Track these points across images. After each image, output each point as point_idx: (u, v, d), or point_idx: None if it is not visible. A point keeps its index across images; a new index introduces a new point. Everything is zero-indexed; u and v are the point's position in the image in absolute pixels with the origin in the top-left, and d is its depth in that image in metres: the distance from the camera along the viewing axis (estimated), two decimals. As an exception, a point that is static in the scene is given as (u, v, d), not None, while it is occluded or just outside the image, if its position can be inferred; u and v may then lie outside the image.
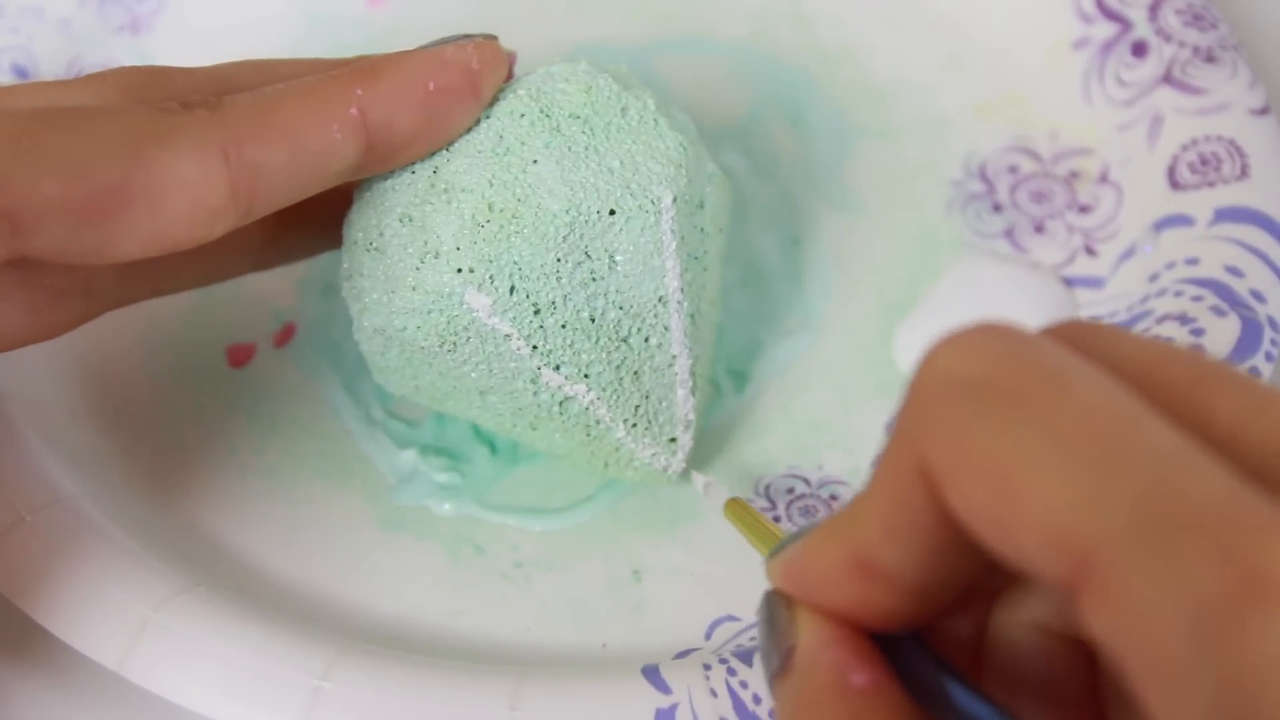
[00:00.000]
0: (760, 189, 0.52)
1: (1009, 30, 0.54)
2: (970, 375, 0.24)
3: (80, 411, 0.47)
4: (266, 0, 0.56)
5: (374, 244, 0.40)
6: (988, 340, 0.24)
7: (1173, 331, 0.44)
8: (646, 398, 0.42)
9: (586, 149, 0.40)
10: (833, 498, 0.46)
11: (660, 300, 0.41)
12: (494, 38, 0.41)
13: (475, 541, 0.45)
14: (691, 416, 0.43)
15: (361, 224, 0.41)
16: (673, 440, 0.43)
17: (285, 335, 0.49)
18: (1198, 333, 0.44)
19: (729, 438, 0.47)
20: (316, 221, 0.44)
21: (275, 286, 0.50)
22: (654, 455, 0.43)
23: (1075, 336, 0.25)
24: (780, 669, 0.28)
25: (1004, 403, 0.23)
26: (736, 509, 0.40)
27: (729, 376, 0.48)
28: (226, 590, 0.42)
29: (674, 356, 0.42)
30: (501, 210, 0.39)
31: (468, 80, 0.40)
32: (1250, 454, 0.23)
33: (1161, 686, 0.21)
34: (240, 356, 0.49)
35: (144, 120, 0.35)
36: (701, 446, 0.46)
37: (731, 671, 0.39)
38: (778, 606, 0.29)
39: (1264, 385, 0.24)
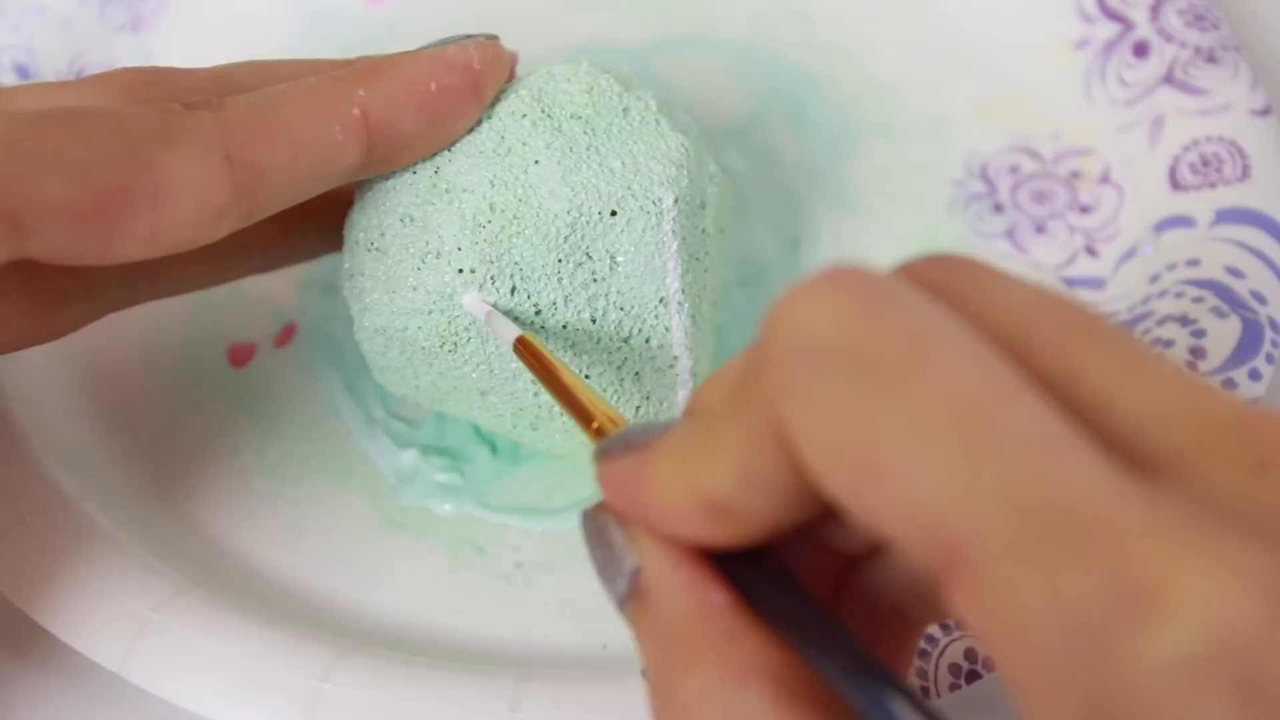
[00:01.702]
0: (761, 188, 0.52)
1: (1010, 30, 0.55)
2: (825, 337, 0.23)
3: (81, 412, 0.47)
4: (268, 0, 0.56)
5: (375, 244, 0.40)
6: (844, 295, 0.23)
7: (1173, 333, 0.44)
8: (647, 398, 0.42)
9: (588, 149, 0.40)
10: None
11: (661, 301, 0.41)
12: (495, 38, 0.41)
13: (476, 542, 0.45)
14: None
15: (363, 224, 0.41)
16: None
17: (286, 335, 0.49)
18: (1198, 334, 0.44)
19: (729, 438, 0.47)
20: (319, 223, 0.44)
21: (276, 287, 0.50)
22: None
23: (940, 276, 0.25)
24: (629, 591, 0.28)
25: (864, 372, 0.22)
26: (526, 348, 0.38)
27: (730, 377, 0.48)
28: (226, 591, 0.42)
29: (675, 357, 0.42)
30: (503, 211, 0.39)
31: (470, 81, 0.40)
32: (1121, 422, 0.23)
33: (1033, 689, 0.21)
34: (241, 356, 0.49)
35: (147, 121, 0.35)
36: (702, 447, 0.46)
37: (732, 673, 0.39)
38: (610, 524, 0.29)
39: (1139, 345, 0.24)
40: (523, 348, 0.37)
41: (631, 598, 0.28)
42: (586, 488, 0.46)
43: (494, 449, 0.47)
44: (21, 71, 0.51)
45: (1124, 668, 0.19)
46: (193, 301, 0.49)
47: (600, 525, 0.29)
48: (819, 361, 0.23)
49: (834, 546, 0.29)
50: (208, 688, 0.39)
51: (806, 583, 0.28)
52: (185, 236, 0.36)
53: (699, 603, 0.26)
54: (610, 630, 0.43)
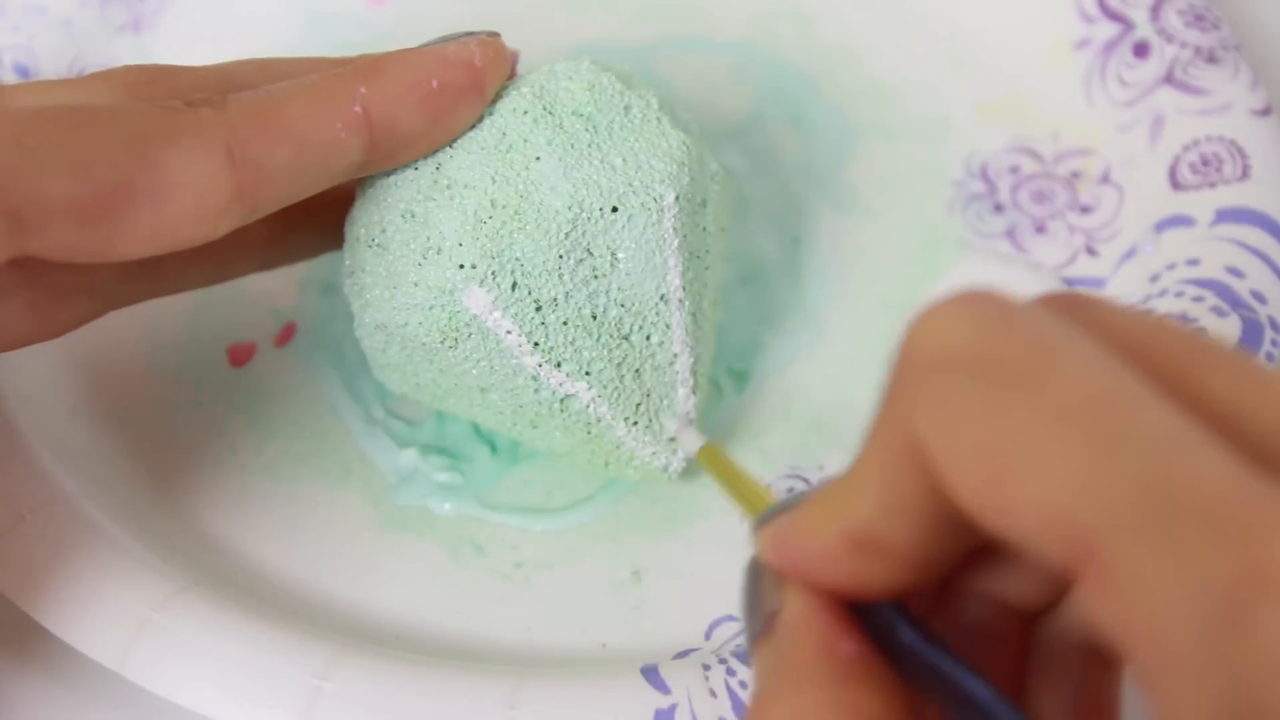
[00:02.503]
0: (761, 188, 0.52)
1: (1010, 30, 0.55)
2: (959, 347, 0.23)
3: (81, 410, 0.47)
4: (267, 1, 0.56)
5: (376, 240, 0.40)
6: (975, 309, 0.24)
7: (1173, 332, 0.44)
8: (648, 396, 0.42)
9: (589, 146, 0.40)
10: (833, 498, 0.46)
11: (662, 298, 0.41)
12: (497, 35, 0.41)
13: (475, 541, 0.45)
14: (692, 415, 0.43)
15: (364, 220, 0.41)
16: (673, 439, 0.43)
17: (286, 335, 0.49)
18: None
19: (729, 437, 0.47)
20: (321, 221, 0.44)
21: (276, 286, 0.50)
22: (654, 454, 0.43)
23: (1066, 307, 0.25)
24: (763, 631, 0.28)
25: (995, 378, 0.23)
26: (711, 456, 0.39)
27: (729, 376, 0.48)
28: (226, 589, 0.42)
29: (675, 355, 0.42)
30: (504, 207, 0.39)
31: (471, 77, 0.40)
32: (1248, 433, 0.23)
33: (1170, 676, 0.21)
34: (241, 356, 0.49)
35: (149, 119, 0.35)
36: (702, 446, 0.47)
37: (731, 672, 0.39)
38: (763, 575, 0.29)
39: (1259, 363, 0.24)
40: (705, 457, 0.40)
41: (762, 636, 0.28)
42: (586, 487, 0.46)
43: (494, 448, 0.47)
44: (22, 72, 0.51)
45: (1259, 648, 0.19)
46: (193, 301, 0.49)
47: (754, 576, 0.29)
48: (951, 371, 0.23)
49: (1010, 602, 0.29)
50: (207, 686, 0.39)
51: (986, 647, 0.28)
52: (187, 234, 0.36)
53: (825, 650, 0.26)
54: (609, 630, 0.43)
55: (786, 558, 0.28)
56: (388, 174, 0.41)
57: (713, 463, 0.39)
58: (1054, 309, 0.25)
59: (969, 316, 0.24)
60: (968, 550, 0.26)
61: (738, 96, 0.55)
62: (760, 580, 0.29)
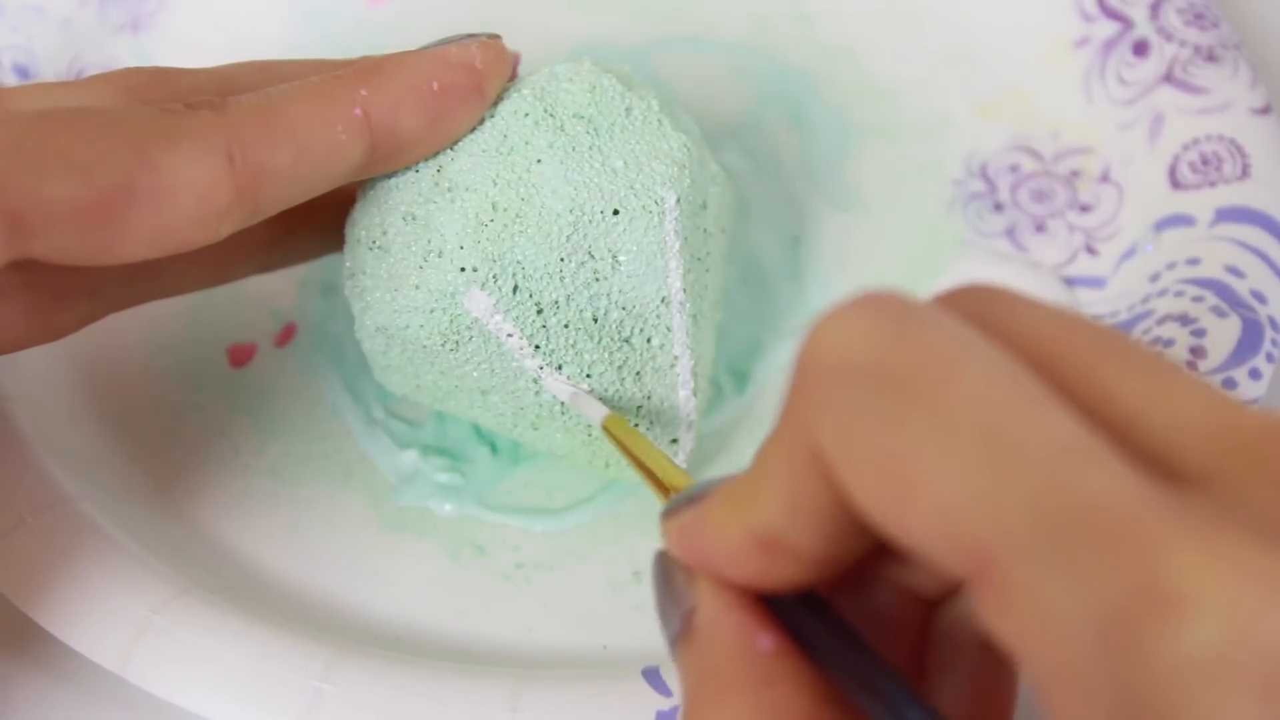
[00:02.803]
0: (761, 188, 0.52)
1: (1010, 29, 0.54)
2: (856, 356, 0.23)
3: (81, 412, 0.47)
4: (267, 0, 0.56)
5: (377, 242, 0.40)
6: (874, 315, 0.24)
7: (1173, 332, 0.44)
8: (649, 398, 0.42)
9: (590, 149, 0.40)
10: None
11: (663, 301, 0.41)
12: (497, 37, 0.41)
13: (476, 542, 0.45)
14: (693, 417, 0.43)
15: (365, 222, 0.41)
16: (674, 441, 0.43)
17: (286, 335, 0.49)
18: (1199, 333, 0.44)
19: (730, 438, 0.47)
20: (321, 223, 0.44)
21: (276, 287, 0.50)
22: None
23: (971, 305, 0.25)
24: (681, 631, 0.28)
25: (892, 390, 0.23)
26: (619, 427, 0.39)
27: (730, 376, 0.48)
28: (227, 591, 0.42)
29: (676, 357, 0.42)
30: (505, 209, 0.39)
31: (472, 79, 0.40)
32: (1150, 438, 0.23)
33: (1062, 689, 0.21)
34: (241, 356, 0.49)
35: (149, 122, 0.35)
36: (702, 446, 0.46)
37: (732, 672, 0.39)
38: (673, 569, 0.29)
39: (1167, 363, 0.24)
40: (610, 429, 0.39)
41: (682, 637, 0.28)
42: (587, 487, 0.46)
43: (494, 449, 0.47)
44: (21, 72, 0.51)
45: (1151, 666, 0.19)
46: (193, 302, 0.49)
47: (664, 570, 0.29)
48: (850, 380, 0.23)
49: (909, 589, 0.29)
50: (208, 688, 0.39)
51: (888, 632, 0.28)
52: (187, 236, 0.36)
53: (744, 645, 0.27)
54: (610, 631, 0.43)
55: (694, 554, 0.28)
56: (389, 176, 0.41)
57: (620, 435, 0.39)
58: (958, 309, 0.25)
59: (867, 323, 0.24)
60: (873, 547, 0.26)
61: (738, 97, 0.55)
62: (671, 575, 0.29)
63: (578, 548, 0.45)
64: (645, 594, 0.44)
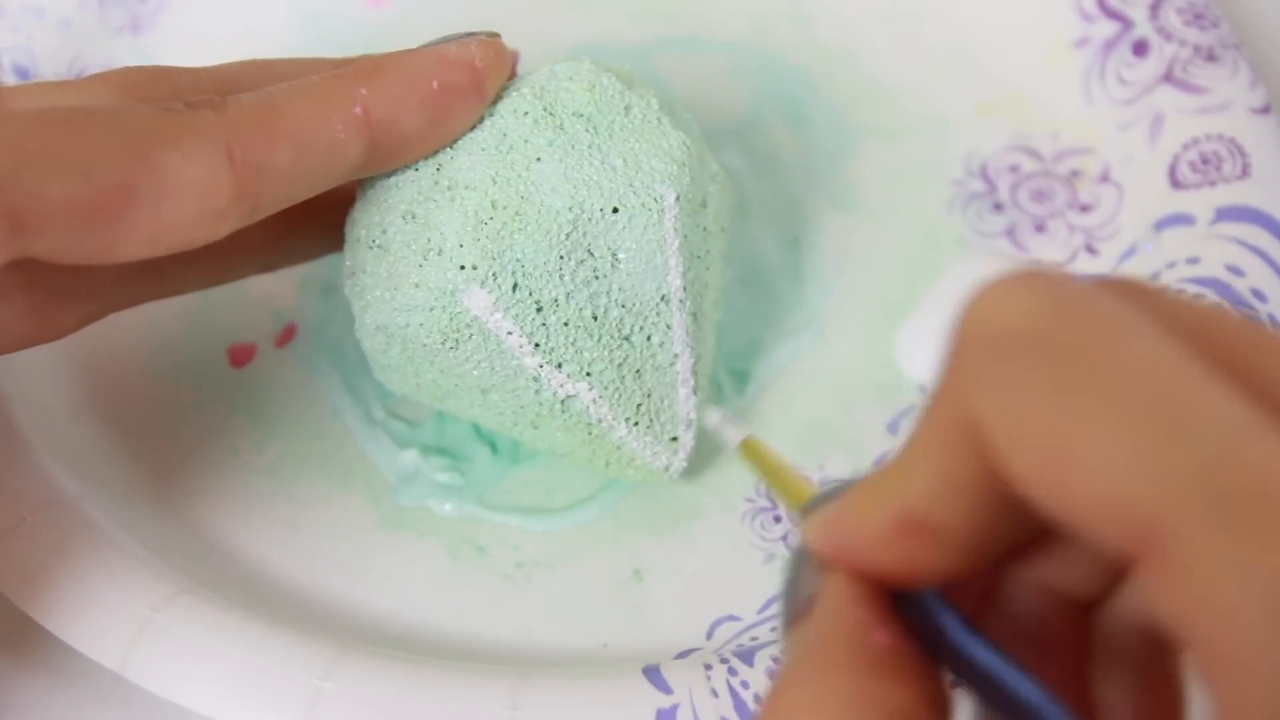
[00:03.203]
0: (761, 188, 0.52)
1: (1010, 29, 0.54)
2: (1020, 327, 0.23)
3: (82, 412, 0.47)
4: (266, 3, 0.56)
5: (377, 241, 0.40)
6: (1037, 288, 0.23)
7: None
8: (648, 396, 0.42)
9: (590, 147, 0.40)
10: (834, 497, 0.46)
11: (663, 299, 0.41)
12: (497, 35, 0.41)
13: (476, 541, 0.45)
14: (693, 415, 0.43)
15: (365, 221, 0.41)
16: (674, 439, 0.43)
17: (286, 335, 0.49)
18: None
19: (731, 437, 0.47)
20: (321, 223, 0.44)
21: (276, 287, 0.50)
22: (655, 454, 0.43)
23: (1124, 291, 0.24)
24: (798, 613, 0.27)
25: (1057, 359, 0.22)
26: (753, 449, 0.39)
27: (730, 376, 0.48)
28: (227, 590, 0.42)
29: (676, 355, 0.42)
30: (505, 208, 0.39)
31: (472, 78, 0.40)
32: None
33: (1231, 670, 0.20)
34: (241, 357, 0.49)
35: (149, 121, 0.35)
36: (703, 446, 0.46)
37: (733, 671, 0.39)
38: (805, 561, 0.28)
39: None
40: (746, 450, 0.38)
41: (798, 619, 0.27)
42: (587, 486, 0.46)
43: (494, 449, 0.47)
44: (21, 73, 0.51)
45: None
46: (193, 302, 0.49)
47: (796, 563, 0.29)
48: (1011, 349, 0.23)
49: (1065, 592, 0.28)
50: (208, 687, 0.39)
51: (1040, 645, 0.28)
52: (187, 235, 0.36)
53: (859, 633, 0.26)
54: (610, 629, 0.43)
55: (834, 543, 0.27)
56: (388, 175, 0.41)
57: (754, 455, 0.39)
58: (1113, 292, 0.24)
59: (1030, 294, 0.23)
60: (1019, 537, 0.26)
61: (738, 96, 0.55)
62: (802, 568, 0.28)
63: (578, 547, 0.45)
64: (645, 593, 0.44)
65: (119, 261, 0.36)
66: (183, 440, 0.47)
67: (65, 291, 0.39)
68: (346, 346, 0.49)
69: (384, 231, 0.40)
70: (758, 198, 0.52)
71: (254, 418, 0.48)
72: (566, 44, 0.56)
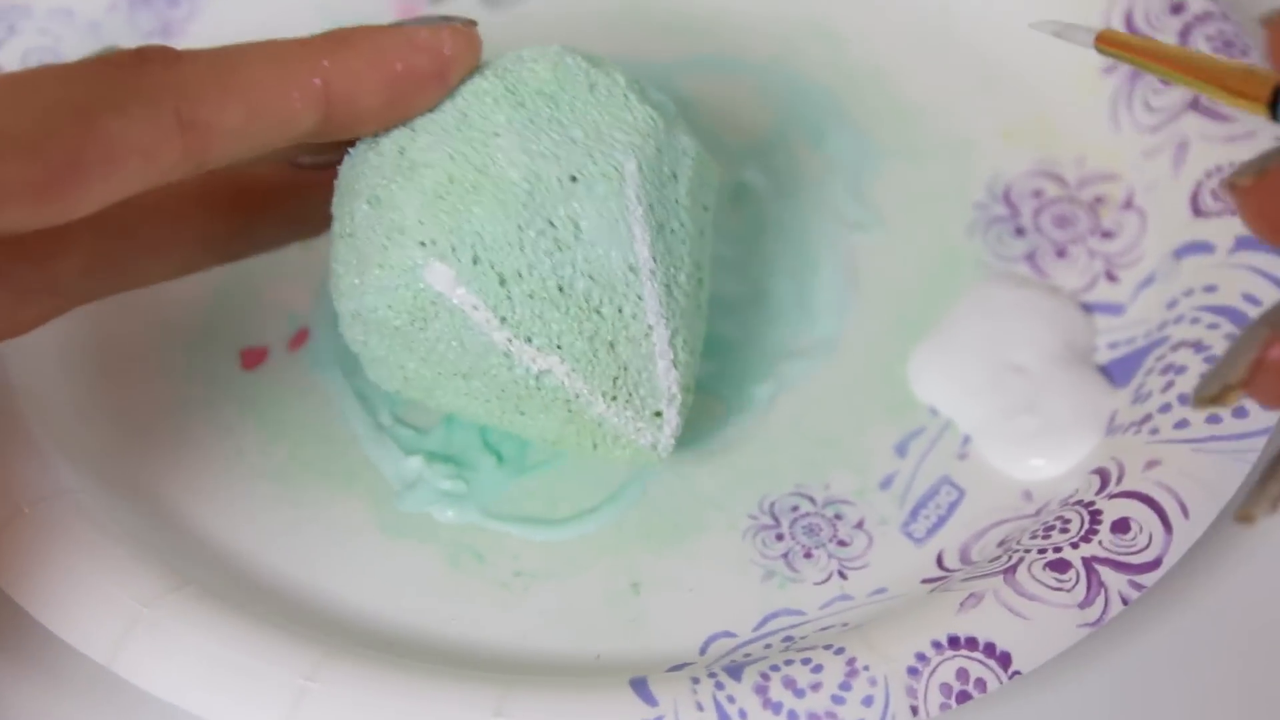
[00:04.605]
0: (780, 207, 0.52)
1: (1039, 54, 0.54)
2: None
3: (89, 406, 0.47)
4: (297, 10, 0.56)
5: (347, 230, 0.41)
6: None
7: (1186, 359, 0.44)
8: (624, 369, 0.41)
9: (550, 120, 0.40)
10: (837, 517, 0.45)
11: (631, 269, 0.41)
12: (473, 23, 0.41)
13: (476, 549, 0.45)
14: (676, 391, 0.42)
15: (338, 213, 0.41)
16: (658, 414, 0.42)
17: (299, 339, 0.49)
18: (1211, 360, 0.44)
19: (738, 453, 0.47)
20: (283, 211, 0.44)
21: (291, 291, 0.50)
22: (639, 431, 0.42)
23: None
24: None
25: None
26: (1112, 38, 0.36)
27: (740, 393, 0.48)
28: (221, 589, 0.42)
29: (650, 327, 0.41)
30: (460, 181, 0.39)
31: (436, 65, 0.40)
32: None
33: None
34: (253, 359, 0.49)
35: (95, 83, 0.35)
36: (710, 461, 0.46)
37: (719, 686, 0.39)
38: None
39: None
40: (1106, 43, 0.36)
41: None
42: (590, 498, 0.46)
43: (500, 458, 0.47)
44: (49, 73, 0.52)
45: None
46: (207, 303, 0.49)
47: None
48: None
49: None
50: (194, 683, 0.39)
51: None
52: (132, 190, 0.36)
53: None
54: (605, 641, 0.43)
55: None
56: (356, 164, 0.41)
57: (1117, 44, 0.35)
58: None
59: None
60: None
61: (762, 115, 0.55)
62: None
63: (578, 558, 0.45)
64: (642, 606, 0.44)
65: (67, 220, 0.35)
66: (189, 438, 0.47)
67: (26, 288, 0.39)
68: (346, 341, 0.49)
69: (352, 219, 0.40)
70: (776, 216, 0.52)
71: (262, 420, 0.48)
72: (594, 59, 0.56)
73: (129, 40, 0.53)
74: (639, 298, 0.41)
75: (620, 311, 0.41)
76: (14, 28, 0.52)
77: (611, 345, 0.41)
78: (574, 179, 0.40)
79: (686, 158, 0.42)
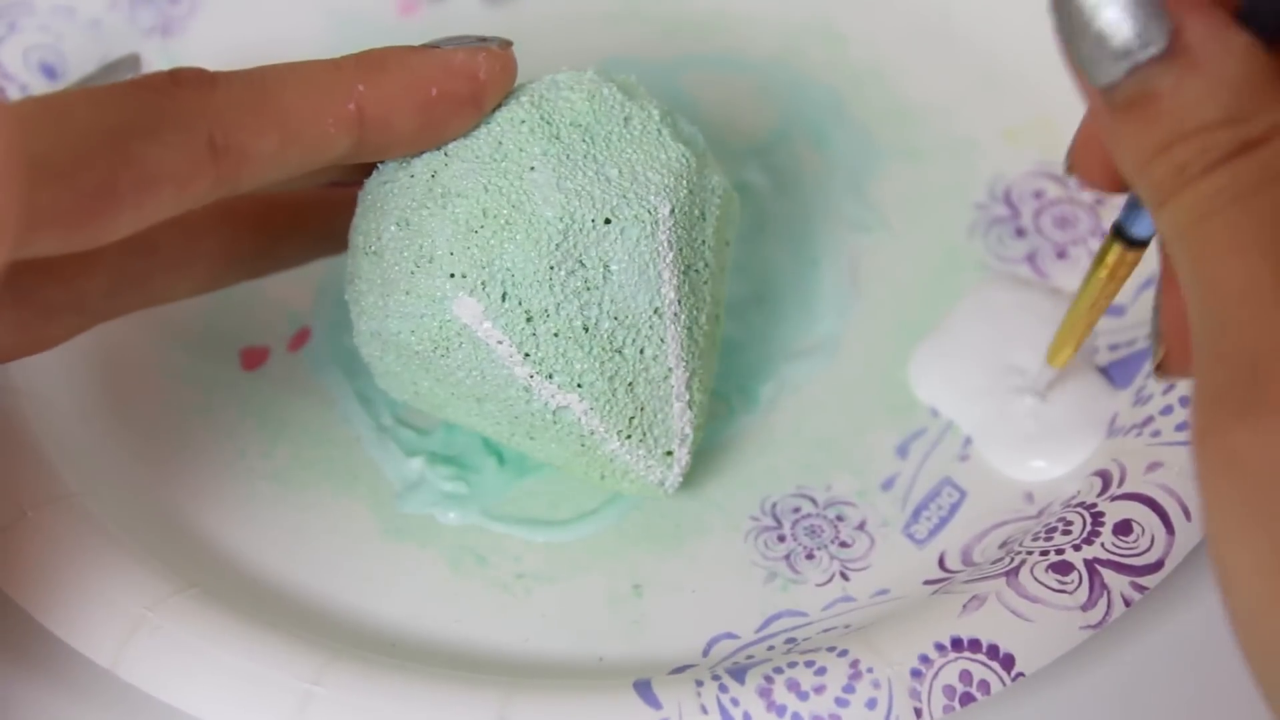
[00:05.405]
0: (782, 207, 0.52)
1: (1041, 55, 0.53)
2: None
3: (91, 409, 0.47)
4: (298, 7, 0.56)
5: (373, 247, 0.40)
6: None
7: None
8: (641, 410, 0.42)
9: (585, 157, 0.40)
10: (839, 518, 0.45)
11: (656, 312, 0.41)
12: (509, 44, 0.41)
13: (478, 551, 0.45)
14: (689, 431, 0.43)
15: (363, 228, 0.41)
16: (669, 454, 0.43)
17: (300, 340, 0.49)
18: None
19: (739, 454, 0.47)
20: (310, 229, 0.44)
21: (291, 291, 0.50)
22: (649, 469, 0.43)
23: None
24: (1165, 52, 0.28)
25: None
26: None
27: (741, 394, 0.48)
28: (224, 592, 0.42)
29: (669, 369, 0.41)
30: (495, 216, 0.39)
31: (471, 90, 0.39)
32: None
33: None
34: (254, 360, 0.49)
35: (129, 108, 0.35)
36: (710, 463, 0.46)
37: (723, 688, 0.39)
38: None
39: None
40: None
41: (1165, 59, 0.27)
42: (591, 500, 0.46)
43: (501, 460, 0.47)
44: (49, 71, 0.52)
45: None
46: (207, 304, 0.49)
47: None
48: None
49: None
50: (198, 687, 0.39)
51: None
52: (164, 215, 0.35)
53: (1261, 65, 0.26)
54: (607, 643, 0.43)
55: None
56: (385, 181, 0.41)
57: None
58: None
59: None
60: None
61: (763, 115, 0.55)
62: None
63: (580, 560, 0.45)
64: (644, 608, 0.44)
65: (95, 245, 0.35)
66: (190, 440, 0.47)
67: (53, 306, 0.39)
68: (359, 352, 0.49)
69: (379, 238, 0.40)
70: (778, 216, 0.52)
71: (263, 421, 0.48)
72: (595, 58, 0.56)
73: (129, 38, 0.53)
74: (661, 340, 0.41)
75: (642, 353, 0.41)
76: (15, 25, 0.52)
77: (631, 386, 0.41)
78: (608, 221, 0.40)
79: (715, 197, 0.42)
